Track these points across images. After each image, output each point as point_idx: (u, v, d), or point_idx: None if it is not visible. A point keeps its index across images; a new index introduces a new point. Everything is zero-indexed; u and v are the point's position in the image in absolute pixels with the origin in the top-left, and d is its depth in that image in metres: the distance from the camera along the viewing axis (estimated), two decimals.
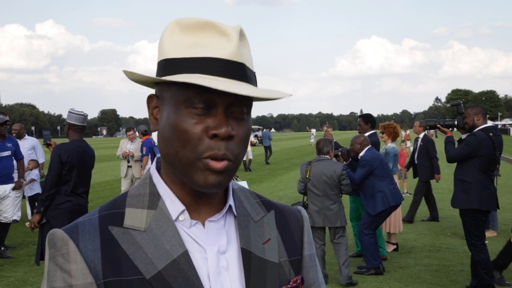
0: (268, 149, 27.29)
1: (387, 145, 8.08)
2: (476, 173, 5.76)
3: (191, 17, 1.01)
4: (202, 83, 0.90)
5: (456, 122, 6.16)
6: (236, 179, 8.28)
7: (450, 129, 6.23)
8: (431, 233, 9.22)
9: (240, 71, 0.98)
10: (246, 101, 0.99)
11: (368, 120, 7.81)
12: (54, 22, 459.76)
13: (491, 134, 5.79)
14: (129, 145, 11.35)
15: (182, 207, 1.02)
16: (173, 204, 1.02)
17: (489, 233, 8.91)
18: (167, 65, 0.99)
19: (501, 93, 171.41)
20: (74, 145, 5.63)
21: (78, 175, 5.59)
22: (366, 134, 7.38)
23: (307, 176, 6.37)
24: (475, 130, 5.86)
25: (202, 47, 0.98)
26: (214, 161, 0.95)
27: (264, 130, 32.10)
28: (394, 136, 8.10)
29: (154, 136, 10.58)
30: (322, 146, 6.54)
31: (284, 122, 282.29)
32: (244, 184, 7.90)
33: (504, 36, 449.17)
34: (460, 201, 5.88)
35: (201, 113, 0.95)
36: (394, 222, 7.77)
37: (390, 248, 7.95)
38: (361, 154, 6.75)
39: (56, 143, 6.31)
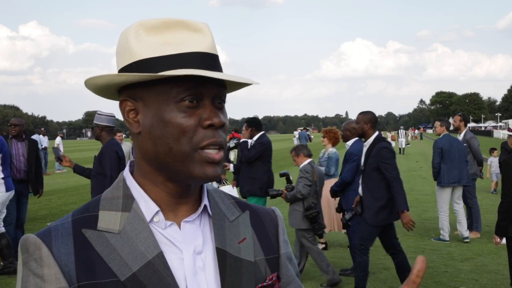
0: None
1: (329, 150, 8.18)
2: (387, 187, 5.63)
3: (154, 18, 1.02)
4: (205, 74, 0.94)
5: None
6: (225, 182, 8.23)
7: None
8: (415, 235, 9.26)
9: (216, 63, 1.02)
10: (225, 92, 1.03)
11: (250, 124, 7.46)
12: (38, 23, 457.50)
13: (387, 140, 5.79)
14: None
15: (156, 208, 1.02)
16: (147, 205, 1.02)
17: (472, 235, 8.98)
18: (142, 66, 0.99)
19: (484, 96, 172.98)
20: (117, 143, 5.98)
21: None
22: (255, 137, 7.29)
23: (315, 179, 6.32)
24: (372, 141, 5.74)
25: (177, 45, 0.99)
26: (212, 153, 0.98)
27: (302, 130, 32.69)
28: (334, 141, 8.20)
29: None
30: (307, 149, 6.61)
31: (269, 124, 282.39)
32: (229, 188, 7.86)
33: (487, 39, 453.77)
34: (383, 218, 5.68)
35: (192, 106, 0.97)
36: (338, 221, 7.81)
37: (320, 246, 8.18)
38: (348, 146, 6.79)
39: (65, 156, 6.42)
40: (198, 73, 0.93)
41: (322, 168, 7.77)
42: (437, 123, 8.86)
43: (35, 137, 23.27)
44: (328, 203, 7.91)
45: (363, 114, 5.89)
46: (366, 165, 5.76)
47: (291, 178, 6.60)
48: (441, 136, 8.71)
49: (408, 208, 5.61)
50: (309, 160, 6.44)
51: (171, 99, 0.97)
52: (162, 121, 0.97)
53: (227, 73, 1.01)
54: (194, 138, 0.96)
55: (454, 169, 8.51)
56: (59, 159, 6.46)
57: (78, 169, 6.31)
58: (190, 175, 0.98)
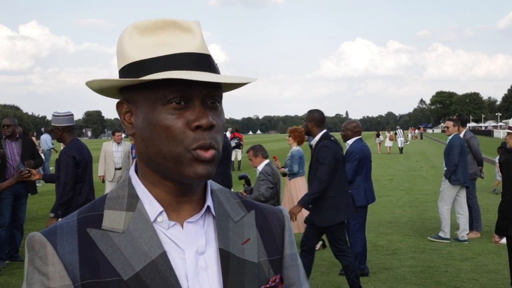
0: None
1: (292, 148, 8.37)
2: (338, 184, 5.59)
3: (149, 19, 1.02)
4: (184, 77, 0.92)
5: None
6: None
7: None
8: (415, 235, 9.27)
9: (208, 62, 1.00)
10: (218, 92, 1.01)
11: None
12: (38, 23, 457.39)
13: (332, 138, 5.73)
14: (115, 147, 10.96)
15: (160, 208, 1.02)
16: (151, 205, 1.02)
17: (472, 234, 8.99)
18: (134, 69, 0.99)
19: (484, 95, 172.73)
20: (79, 144, 5.73)
21: (90, 173, 5.75)
22: None
23: (275, 180, 6.39)
24: (318, 139, 5.70)
25: (167, 46, 0.99)
26: (202, 151, 0.97)
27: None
28: (299, 140, 8.34)
29: None
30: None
31: (269, 124, 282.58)
32: None
33: (487, 39, 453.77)
34: (330, 218, 5.57)
35: (179, 107, 0.97)
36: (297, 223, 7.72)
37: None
38: (349, 145, 6.81)
39: (32, 170, 5.93)
40: (178, 76, 0.92)
41: (286, 169, 7.97)
42: (450, 123, 8.83)
43: (45, 136, 23.24)
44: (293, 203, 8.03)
45: (309, 112, 5.89)
46: (311, 163, 5.74)
47: (250, 180, 6.61)
48: (452, 135, 8.71)
49: (303, 207, 5.57)
50: (266, 161, 6.54)
51: (159, 101, 0.96)
52: (150, 123, 0.98)
53: (214, 74, 0.99)
54: (184, 141, 0.96)
55: (467, 168, 8.60)
56: (27, 174, 5.95)
57: (47, 178, 6.18)
58: (181, 175, 0.98)
